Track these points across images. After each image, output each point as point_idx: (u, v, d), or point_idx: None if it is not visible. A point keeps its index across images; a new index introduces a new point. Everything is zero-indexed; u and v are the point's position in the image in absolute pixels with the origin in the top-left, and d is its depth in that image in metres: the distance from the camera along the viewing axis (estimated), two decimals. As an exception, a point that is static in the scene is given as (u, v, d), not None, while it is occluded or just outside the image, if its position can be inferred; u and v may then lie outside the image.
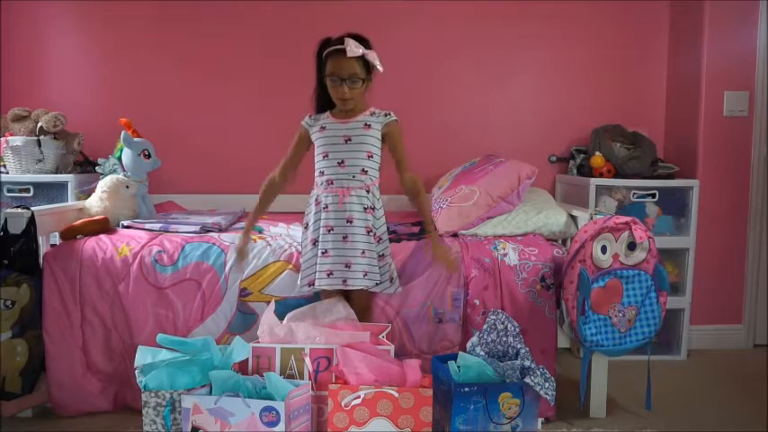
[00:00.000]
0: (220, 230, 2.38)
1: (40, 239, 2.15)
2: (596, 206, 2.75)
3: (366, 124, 1.99)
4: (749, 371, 2.65)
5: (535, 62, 3.16)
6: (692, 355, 2.83)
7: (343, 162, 1.98)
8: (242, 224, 2.55)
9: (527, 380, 1.78)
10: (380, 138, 2.02)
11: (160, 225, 2.36)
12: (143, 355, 1.80)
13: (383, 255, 2.03)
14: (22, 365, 2.01)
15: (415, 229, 2.50)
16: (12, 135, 2.72)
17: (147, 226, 2.36)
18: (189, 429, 1.71)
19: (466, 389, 1.76)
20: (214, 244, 2.18)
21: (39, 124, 2.71)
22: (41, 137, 2.70)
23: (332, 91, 1.96)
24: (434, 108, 3.16)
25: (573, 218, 2.39)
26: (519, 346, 1.91)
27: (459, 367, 1.85)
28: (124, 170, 2.63)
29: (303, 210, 3.01)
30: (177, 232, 2.31)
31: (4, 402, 2.00)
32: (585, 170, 2.94)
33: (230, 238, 2.22)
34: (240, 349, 1.87)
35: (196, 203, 3.02)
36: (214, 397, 1.71)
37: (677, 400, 2.33)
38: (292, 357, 1.91)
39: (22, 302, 2.01)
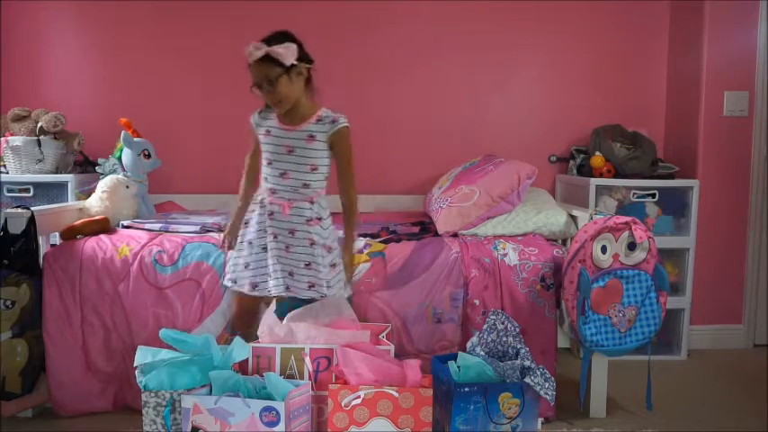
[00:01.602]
0: (220, 230, 2.37)
1: (40, 239, 2.15)
2: (596, 206, 2.75)
3: (310, 135, 1.89)
4: (749, 371, 2.65)
5: (535, 62, 3.16)
6: (692, 355, 2.83)
7: (285, 174, 1.90)
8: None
9: (527, 380, 1.78)
10: (328, 147, 1.92)
11: (160, 225, 2.36)
12: (143, 355, 1.80)
13: (335, 264, 1.96)
14: (22, 365, 2.01)
15: (415, 229, 2.50)
16: (12, 135, 2.72)
17: (147, 226, 2.36)
18: (189, 429, 1.71)
19: (466, 389, 1.76)
20: (214, 244, 2.18)
21: (39, 124, 2.71)
22: (41, 137, 2.70)
23: (263, 96, 1.89)
24: (434, 108, 3.15)
25: (573, 218, 2.39)
26: (519, 346, 1.91)
27: (459, 367, 1.85)
28: (124, 170, 2.63)
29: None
30: (177, 232, 2.30)
31: (4, 402, 2.00)
32: (585, 170, 2.94)
33: (230, 238, 2.22)
34: (240, 349, 1.87)
35: (196, 203, 3.02)
36: (214, 397, 1.71)
37: (677, 400, 2.33)
38: (292, 357, 1.91)
39: (22, 302, 2.01)
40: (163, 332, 1.81)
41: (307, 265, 1.92)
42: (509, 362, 1.86)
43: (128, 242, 2.18)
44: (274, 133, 1.92)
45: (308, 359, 1.89)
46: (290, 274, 1.93)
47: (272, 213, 1.92)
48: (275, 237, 1.92)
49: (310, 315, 2.01)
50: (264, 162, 1.93)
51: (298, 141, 1.90)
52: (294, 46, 1.84)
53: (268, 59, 1.82)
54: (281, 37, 1.86)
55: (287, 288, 1.93)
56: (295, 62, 1.85)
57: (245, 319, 2.07)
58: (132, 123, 2.69)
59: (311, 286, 1.92)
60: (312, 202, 1.93)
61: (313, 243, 1.92)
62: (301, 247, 1.92)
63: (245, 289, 1.97)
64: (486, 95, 3.17)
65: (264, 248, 1.94)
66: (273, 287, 1.94)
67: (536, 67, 3.17)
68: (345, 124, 1.92)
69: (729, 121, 2.88)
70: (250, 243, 1.96)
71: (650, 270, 2.09)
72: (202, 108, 3.12)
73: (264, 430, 1.67)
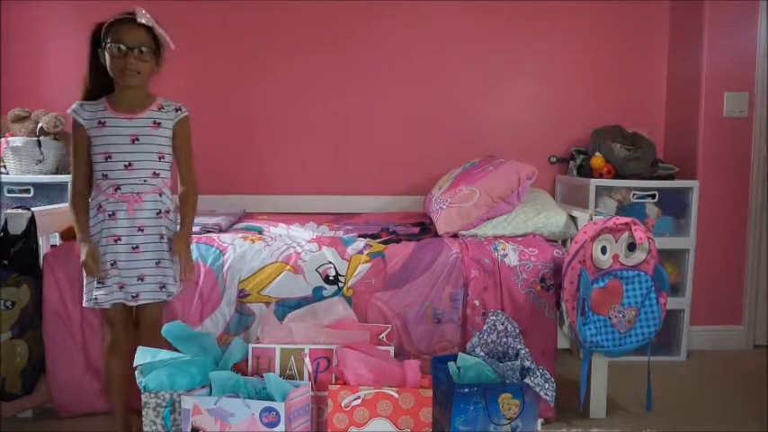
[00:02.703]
0: (220, 231, 2.38)
1: (41, 240, 2.15)
2: (596, 207, 2.75)
3: (155, 122, 1.81)
4: (749, 371, 2.65)
5: (535, 62, 3.16)
6: (691, 356, 2.83)
7: (131, 165, 1.78)
8: (243, 224, 2.56)
9: (527, 380, 1.78)
10: (171, 135, 1.85)
11: (160, 225, 2.35)
12: (143, 356, 1.80)
13: (172, 258, 1.88)
14: (22, 366, 2.01)
15: (415, 230, 2.50)
16: (12, 136, 2.72)
17: (147, 226, 2.35)
18: (189, 430, 1.71)
19: (466, 389, 1.76)
20: (212, 245, 2.18)
21: (39, 125, 2.71)
22: (41, 137, 2.70)
23: (114, 63, 1.74)
24: (434, 108, 3.15)
25: (573, 218, 2.39)
26: (519, 346, 1.91)
27: (458, 368, 1.85)
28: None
29: (305, 210, 3.06)
30: (177, 233, 2.30)
31: (4, 403, 2.00)
32: (585, 171, 2.94)
33: (230, 239, 2.22)
34: (239, 350, 1.88)
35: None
36: (214, 398, 1.71)
37: (677, 400, 2.33)
38: (292, 358, 1.91)
39: (21, 303, 2.01)
40: (165, 329, 1.81)
41: (158, 263, 1.83)
42: (509, 362, 1.86)
43: (128, 243, 2.18)
44: (112, 123, 1.78)
45: (307, 360, 1.89)
46: (141, 278, 1.81)
47: (113, 214, 1.79)
48: (118, 240, 1.79)
49: (310, 315, 2.01)
50: (99, 158, 1.78)
51: (143, 129, 1.80)
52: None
53: (150, 32, 1.79)
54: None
55: (135, 296, 1.82)
56: (162, 53, 1.85)
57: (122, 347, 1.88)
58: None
59: (162, 287, 1.84)
60: (161, 194, 1.84)
61: (162, 237, 1.83)
62: (153, 244, 1.81)
63: (115, 298, 1.81)
64: (486, 96, 3.17)
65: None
66: (120, 298, 1.81)
67: (536, 68, 3.17)
68: (187, 113, 1.89)
69: (729, 122, 2.87)
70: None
71: (650, 271, 2.09)
72: (200, 108, 3.09)
73: (264, 431, 1.68)
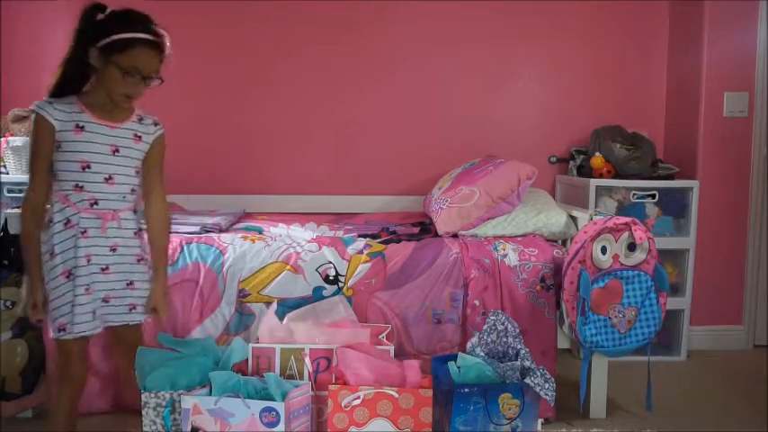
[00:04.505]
0: (220, 231, 2.38)
1: (40, 240, 2.14)
2: (596, 207, 2.75)
3: (136, 135, 1.67)
4: (749, 372, 2.65)
5: (535, 62, 3.16)
6: (692, 356, 2.83)
7: (111, 178, 1.62)
8: (243, 224, 2.56)
9: (527, 380, 1.78)
10: (146, 151, 1.71)
11: (160, 225, 2.35)
12: (143, 356, 1.80)
13: (151, 279, 1.76)
14: (21, 366, 2.01)
15: (415, 230, 2.50)
16: (12, 135, 2.72)
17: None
18: (188, 430, 1.71)
19: (466, 389, 1.76)
20: (212, 245, 2.18)
21: (39, 124, 2.71)
22: (41, 137, 2.70)
23: (120, 85, 1.58)
24: (434, 108, 3.15)
25: (573, 218, 2.39)
26: (519, 346, 1.91)
27: (458, 368, 1.85)
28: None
29: (305, 210, 3.06)
30: (177, 232, 2.30)
31: (4, 403, 2.00)
32: (585, 171, 2.94)
33: (230, 239, 2.22)
34: (239, 350, 1.88)
35: (196, 204, 3.02)
36: (214, 397, 1.71)
37: (677, 400, 2.33)
38: (292, 358, 1.91)
39: (22, 303, 2.01)
40: (161, 337, 1.81)
41: (129, 284, 1.70)
42: (509, 362, 1.86)
43: (128, 242, 2.17)
44: (91, 129, 1.60)
45: (307, 359, 1.89)
46: (105, 300, 1.67)
47: (85, 231, 1.61)
48: (89, 260, 1.62)
49: (310, 315, 2.01)
50: (74, 166, 1.59)
51: (123, 140, 1.64)
52: None
53: (163, 54, 1.63)
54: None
55: (102, 322, 1.67)
56: None
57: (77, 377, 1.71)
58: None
59: (132, 308, 1.71)
60: (135, 212, 1.71)
61: (141, 259, 1.72)
62: (126, 265, 1.68)
63: (88, 328, 1.63)
64: (486, 96, 3.17)
65: (68, 277, 1.61)
66: (91, 327, 1.63)
67: (536, 68, 3.17)
68: (164, 129, 1.77)
69: (729, 122, 2.87)
70: (69, 275, 1.61)
71: (650, 271, 2.09)
72: (200, 108, 3.11)
73: (264, 431, 1.68)
